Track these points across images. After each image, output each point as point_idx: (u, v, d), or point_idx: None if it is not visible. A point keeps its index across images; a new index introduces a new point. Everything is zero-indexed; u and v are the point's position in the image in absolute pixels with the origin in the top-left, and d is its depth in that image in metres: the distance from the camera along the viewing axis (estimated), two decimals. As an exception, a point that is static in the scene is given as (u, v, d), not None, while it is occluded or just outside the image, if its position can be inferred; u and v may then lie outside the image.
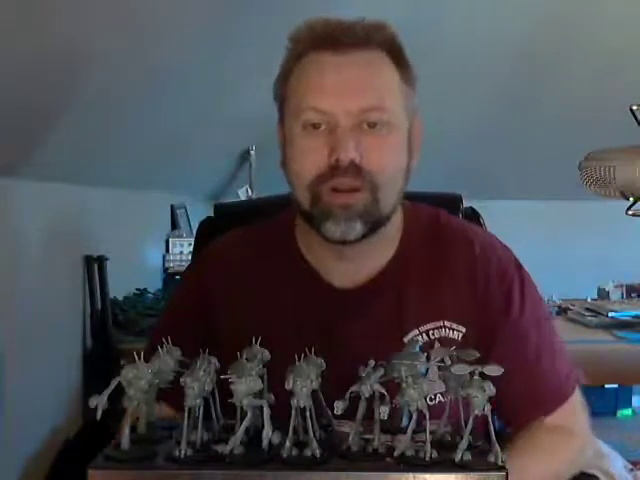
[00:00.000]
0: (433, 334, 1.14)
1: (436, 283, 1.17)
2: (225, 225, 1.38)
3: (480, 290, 1.16)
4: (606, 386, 3.38)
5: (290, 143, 1.11)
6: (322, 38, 1.09)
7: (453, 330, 1.15)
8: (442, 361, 0.90)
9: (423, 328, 1.14)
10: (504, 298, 1.17)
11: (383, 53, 1.10)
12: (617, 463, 1.78)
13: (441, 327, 1.15)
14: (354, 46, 1.08)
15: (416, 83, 1.14)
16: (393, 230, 1.17)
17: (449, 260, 1.18)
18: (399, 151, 1.11)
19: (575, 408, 1.19)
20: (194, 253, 1.52)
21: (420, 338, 1.13)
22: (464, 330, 1.15)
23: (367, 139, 1.07)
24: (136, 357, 0.87)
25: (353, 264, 1.16)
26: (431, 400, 1.06)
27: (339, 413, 0.86)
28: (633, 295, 3.16)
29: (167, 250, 3.33)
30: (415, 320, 1.14)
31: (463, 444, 0.85)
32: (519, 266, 1.21)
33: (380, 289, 1.16)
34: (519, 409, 1.15)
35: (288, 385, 0.84)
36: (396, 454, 0.85)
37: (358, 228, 1.08)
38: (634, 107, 1.07)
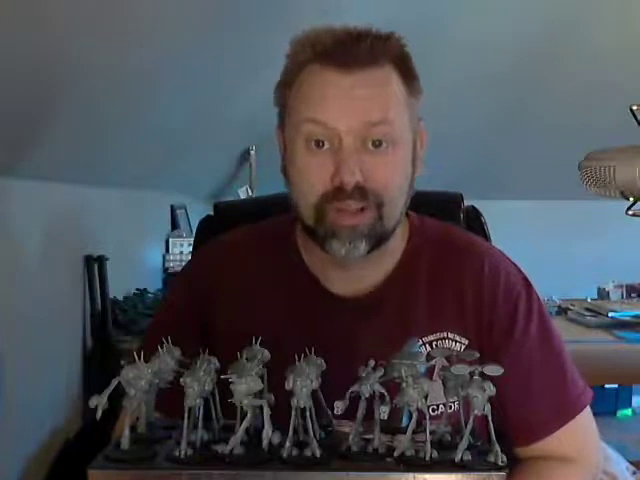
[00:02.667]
0: (436, 345, 1.14)
1: (441, 295, 1.16)
2: (225, 224, 1.38)
3: (486, 305, 1.16)
4: (606, 386, 3.38)
5: (292, 157, 1.09)
6: (328, 53, 1.06)
7: (456, 342, 1.15)
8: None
9: (426, 339, 1.14)
10: (509, 315, 1.16)
11: (390, 68, 1.08)
12: (620, 465, 1.78)
13: (444, 338, 1.15)
14: (360, 64, 1.05)
15: (421, 93, 1.12)
16: (396, 241, 1.17)
17: (457, 274, 1.17)
18: (404, 167, 1.10)
19: (582, 428, 1.18)
20: (194, 252, 1.52)
21: (423, 349, 1.12)
22: (467, 343, 1.15)
23: (371, 159, 1.05)
24: (136, 357, 0.87)
25: (354, 274, 1.15)
26: (433, 411, 1.07)
27: (339, 413, 0.86)
28: (633, 295, 3.16)
29: (167, 250, 3.33)
30: (418, 331, 1.13)
31: (463, 444, 0.85)
32: (527, 284, 1.20)
33: (384, 299, 1.16)
34: (523, 430, 1.15)
35: (288, 385, 0.84)
36: (396, 454, 0.85)
37: (362, 247, 1.07)
38: (634, 107, 1.07)
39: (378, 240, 1.09)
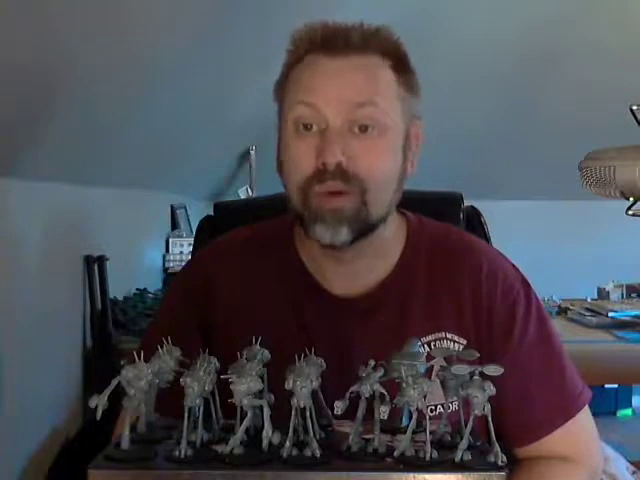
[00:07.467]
0: (434, 345, 1.14)
1: (440, 295, 1.16)
2: (225, 224, 1.38)
3: (484, 306, 1.16)
4: (606, 386, 3.38)
5: (283, 144, 1.10)
6: (319, 42, 1.08)
7: (454, 342, 1.15)
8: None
9: (425, 339, 1.14)
10: (508, 316, 1.16)
11: (381, 58, 1.09)
12: (620, 465, 1.78)
13: (442, 339, 1.15)
14: (350, 51, 1.07)
15: (419, 90, 1.12)
16: (392, 241, 1.17)
17: (455, 274, 1.17)
18: (391, 154, 1.10)
19: (582, 428, 1.18)
20: (194, 252, 1.52)
21: (421, 349, 1.12)
22: (465, 343, 1.15)
23: (357, 142, 1.05)
24: (136, 357, 0.87)
25: (351, 272, 1.15)
26: (432, 411, 1.07)
27: (339, 413, 0.86)
28: (633, 295, 3.16)
29: (167, 250, 3.33)
30: (417, 331, 1.12)
31: (463, 444, 0.85)
32: (526, 285, 1.20)
33: (383, 299, 1.16)
34: (522, 429, 1.15)
35: (288, 385, 0.84)
36: (396, 454, 0.85)
37: (344, 233, 1.06)
38: (634, 107, 1.07)
39: (362, 228, 1.08)
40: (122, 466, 0.84)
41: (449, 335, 1.15)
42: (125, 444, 0.86)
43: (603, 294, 3.18)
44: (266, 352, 0.93)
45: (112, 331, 2.49)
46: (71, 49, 1.63)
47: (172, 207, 3.42)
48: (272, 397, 0.89)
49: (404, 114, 1.10)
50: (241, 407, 0.85)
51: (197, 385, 0.86)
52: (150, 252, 3.22)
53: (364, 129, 1.06)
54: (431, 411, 1.06)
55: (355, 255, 1.12)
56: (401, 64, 1.11)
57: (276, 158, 1.14)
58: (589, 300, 3.08)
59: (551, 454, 1.15)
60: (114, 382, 0.85)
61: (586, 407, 1.18)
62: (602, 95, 2.96)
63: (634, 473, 1.80)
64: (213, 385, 0.88)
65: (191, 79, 2.17)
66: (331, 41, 1.07)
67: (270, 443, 0.85)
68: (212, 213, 1.56)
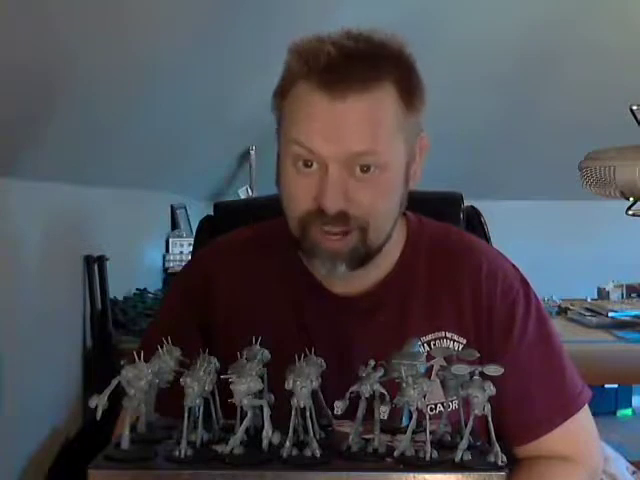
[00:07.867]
0: (434, 344, 1.14)
1: (439, 295, 1.17)
2: (225, 224, 1.38)
3: (484, 305, 1.16)
4: (606, 386, 3.39)
5: (281, 172, 1.09)
6: (320, 74, 1.03)
7: (454, 341, 1.15)
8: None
9: (425, 338, 1.14)
10: (508, 315, 1.16)
11: (388, 87, 1.05)
12: (620, 465, 1.78)
13: (442, 338, 1.15)
14: (353, 90, 1.02)
15: (425, 100, 1.10)
16: (392, 240, 1.16)
17: (455, 274, 1.17)
18: (392, 190, 1.09)
19: (581, 428, 1.18)
20: (194, 252, 1.52)
21: (421, 349, 1.12)
22: (465, 342, 1.15)
23: (357, 183, 1.04)
24: (136, 357, 0.87)
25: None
26: (431, 410, 1.07)
27: (339, 413, 0.86)
28: (633, 295, 3.16)
29: (167, 250, 3.33)
30: (417, 331, 1.12)
31: (463, 444, 0.85)
32: (525, 284, 1.20)
33: (382, 299, 1.16)
34: (521, 428, 1.15)
35: (288, 385, 0.84)
36: (396, 454, 0.85)
37: (343, 269, 1.07)
38: (634, 107, 1.07)
39: (361, 261, 1.09)
40: (122, 466, 0.84)
41: (449, 334, 1.15)
42: (125, 444, 0.86)
43: (603, 294, 3.18)
44: (266, 352, 0.93)
45: (112, 331, 2.50)
46: (71, 49, 1.63)
47: (172, 207, 3.42)
48: (272, 397, 0.89)
49: (407, 142, 1.08)
50: (241, 407, 0.85)
51: (197, 385, 0.86)
52: (150, 252, 3.22)
53: (365, 169, 1.04)
54: (431, 410, 1.06)
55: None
56: (409, 84, 1.08)
57: (275, 172, 1.13)
58: (589, 300, 3.08)
59: (551, 453, 1.15)
60: (114, 382, 0.85)
61: (586, 407, 1.18)
62: (602, 95, 2.96)
63: (634, 473, 1.80)
64: (213, 385, 0.88)
65: (191, 79, 2.17)
66: (332, 77, 1.02)
67: (270, 443, 0.85)
68: (212, 213, 1.56)
